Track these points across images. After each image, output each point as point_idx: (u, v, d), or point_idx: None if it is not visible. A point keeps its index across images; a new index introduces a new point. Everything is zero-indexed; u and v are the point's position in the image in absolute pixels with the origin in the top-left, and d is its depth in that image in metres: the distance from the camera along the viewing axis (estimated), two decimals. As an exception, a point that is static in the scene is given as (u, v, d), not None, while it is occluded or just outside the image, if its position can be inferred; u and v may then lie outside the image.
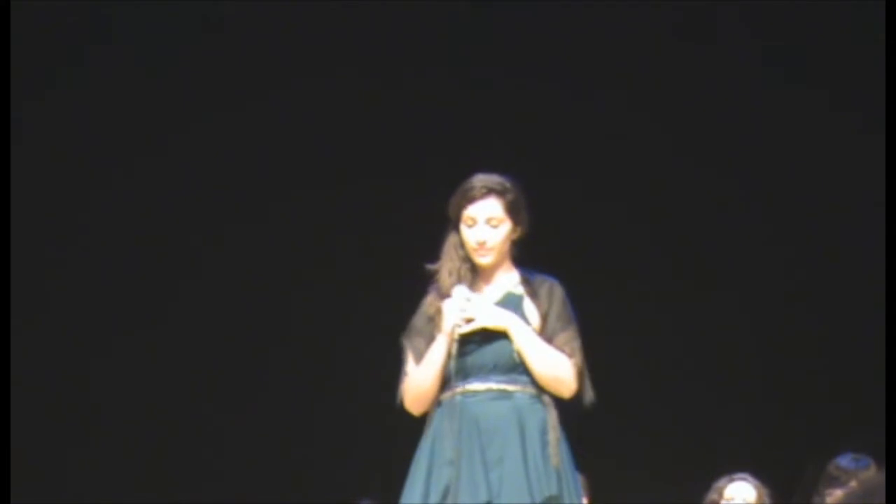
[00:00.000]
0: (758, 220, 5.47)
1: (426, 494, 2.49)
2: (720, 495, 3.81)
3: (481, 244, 2.61)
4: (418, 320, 2.68)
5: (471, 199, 2.62)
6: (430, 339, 2.61)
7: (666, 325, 4.97)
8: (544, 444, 2.52)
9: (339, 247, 4.82)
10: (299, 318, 4.99)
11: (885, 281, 3.95)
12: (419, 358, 2.62)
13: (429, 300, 2.67)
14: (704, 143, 5.48)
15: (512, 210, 2.63)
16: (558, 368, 2.57)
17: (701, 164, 5.52)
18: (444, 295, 2.59)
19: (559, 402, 2.61)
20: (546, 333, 2.61)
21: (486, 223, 2.61)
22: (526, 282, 2.68)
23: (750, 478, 3.96)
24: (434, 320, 2.61)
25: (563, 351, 2.59)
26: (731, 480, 3.88)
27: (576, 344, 2.62)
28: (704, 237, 5.39)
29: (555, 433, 2.55)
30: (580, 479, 2.75)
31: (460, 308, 2.52)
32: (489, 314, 2.58)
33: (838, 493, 3.63)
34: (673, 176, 5.41)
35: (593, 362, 2.69)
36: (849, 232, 5.14)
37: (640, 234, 5.14)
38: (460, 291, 2.55)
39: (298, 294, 5.01)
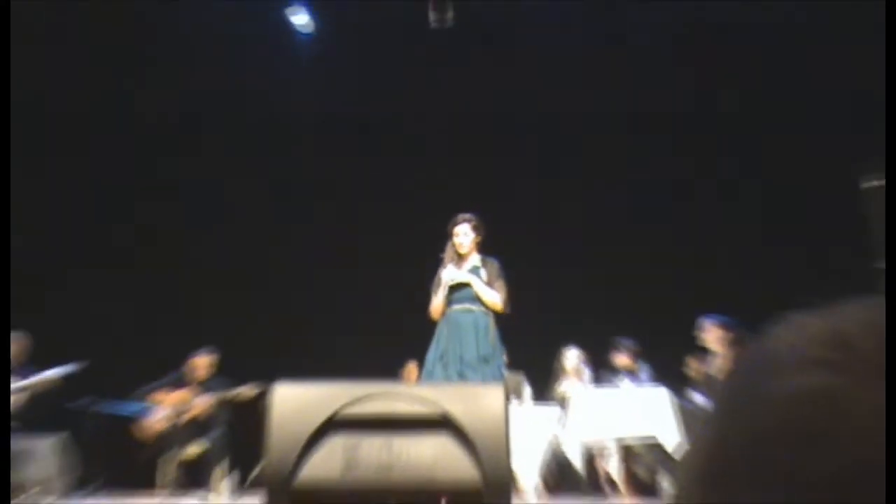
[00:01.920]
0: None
1: (435, 354, 5.56)
2: (561, 356, 6.87)
3: (460, 245, 5.71)
4: (437, 277, 5.76)
5: (456, 223, 5.73)
6: (440, 285, 5.74)
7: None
8: (487, 332, 5.62)
9: (405, 245, 7.57)
10: (385, 274, 7.95)
11: (885, 281, 5.07)
12: (435, 293, 5.74)
13: (441, 269, 5.76)
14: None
15: (475, 228, 5.72)
16: (495, 299, 5.61)
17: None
18: (445, 268, 5.71)
19: (497, 315, 5.70)
20: (490, 282, 5.66)
21: (463, 234, 5.71)
22: (482, 260, 5.74)
23: (575, 347, 6.94)
24: (441, 278, 5.73)
25: (497, 290, 5.65)
26: (567, 348, 6.90)
27: (503, 287, 5.65)
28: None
29: (493, 328, 5.60)
30: (504, 350, 5.87)
31: (449, 276, 5.64)
32: (464, 276, 5.68)
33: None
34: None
35: (515, 291, 5.74)
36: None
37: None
38: (449, 269, 5.66)
39: (372, 263, 8.03)
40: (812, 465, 0.41)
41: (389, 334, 7.80)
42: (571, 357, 7.17)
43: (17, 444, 5.81)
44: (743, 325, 6.23)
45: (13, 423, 6.57)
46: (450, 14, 7.62)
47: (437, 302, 5.63)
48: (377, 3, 7.87)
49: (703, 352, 6.55)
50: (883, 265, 5.33)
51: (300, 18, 8.45)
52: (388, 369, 7.65)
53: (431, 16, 7.66)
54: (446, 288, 5.61)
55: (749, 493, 0.42)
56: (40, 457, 5.75)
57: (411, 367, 7.71)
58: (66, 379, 6.80)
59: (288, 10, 8.36)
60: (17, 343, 6.96)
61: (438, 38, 7.93)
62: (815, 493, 0.40)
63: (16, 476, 5.44)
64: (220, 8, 8.14)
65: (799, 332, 0.45)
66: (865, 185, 5.65)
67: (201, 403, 7.11)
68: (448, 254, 5.74)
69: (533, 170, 8.49)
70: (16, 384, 6.76)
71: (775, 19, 8.08)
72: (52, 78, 8.15)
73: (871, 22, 6.77)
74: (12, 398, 6.74)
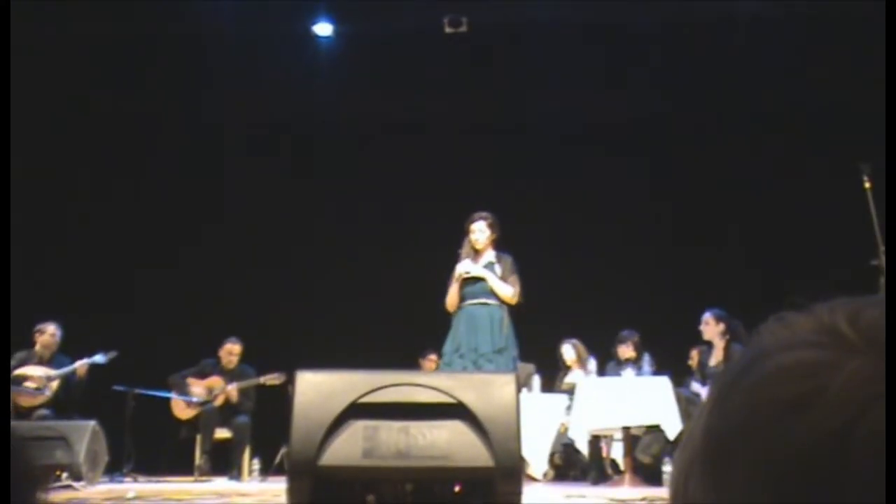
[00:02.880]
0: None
1: (452, 345, 5.81)
2: (560, 351, 7.16)
3: (476, 241, 5.96)
4: (454, 271, 5.97)
5: (472, 221, 5.99)
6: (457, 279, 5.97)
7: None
8: (501, 325, 5.85)
9: (432, 236, 7.60)
10: (404, 268, 8.24)
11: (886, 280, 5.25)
12: (452, 285, 5.99)
13: (459, 263, 6.01)
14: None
15: (490, 226, 5.97)
16: (508, 293, 5.84)
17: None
18: (461, 262, 5.96)
19: (510, 307, 5.92)
20: (504, 277, 5.91)
21: (479, 231, 5.96)
22: (497, 256, 5.97)
23: (574, 340, 7.19)
24: (456, 270, 5.97)
25: (511, 285, 5.90)
26: (563, 343, 7.16)
27: (517, 281, 5.87)
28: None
29: (506, 321, 5.83)
30: (517, 343, 6.12)
31: (463, 268, 5.89)
32: (479, 270, 5.91)
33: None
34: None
35: (526, 286, 5.99)
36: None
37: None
38: (465, 263, 5.91)
39: (404, 261, 8.34)
40: (794, 434, 0.41)
41: (409, 326, 8.06)
42: (567, 350, 7.49)
43: (49, 429, 6.04)
44: (736, 318, 6.52)
45: (45, 411, 6.90)
46: (464, 20, 7.89)
47: (452, 294, 5.90)
48: (394, 10, 8.12)
49: (707, 344, 6.85)
50: (877, 262, 5.55)
51: (323, 28, 8.71)
52: (409, 360, 7.93)
53: (447, 22, 7.94)
54: (460, 280, 5.87)
55: (741, 468, 0.43)
56: (71, 442, 5.98)
57: (431, 358, 7.99)
58: (99, 367, 7.12)
59: (314, 26, 8.62)
60: (50, 333, 7.25)
61: (453, 43, 8.21)
62: (799, 461, 0.41)
63: (47, 461, 5.61)
64: (239, 12, 8.39)
65: (788, 326, 0.47)
66: (866, 182, 5.83)
67: (231, 390, 7.42)
68: (465, 249, 6.01)
69: (544, 169, 8.75)
70: (48, 373, 7.08)
71: (785, 14, 8.22)
72: (82, 85, 8.44)
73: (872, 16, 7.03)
74: (52, 385, 7.07)
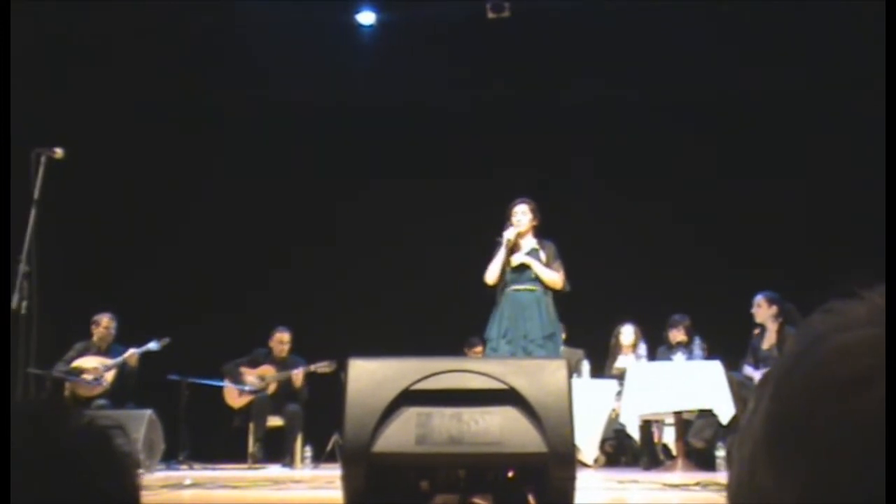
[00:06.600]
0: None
1: (498, 331, 5.84)
2: (618, 332, 7.12)
3: (518, 223, 5.95)
4: (497, 246, 5.95)
5: (514, 205, 5.99)
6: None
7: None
8: (549, 311, 5.85)
9: (475, 225, 7.88)
10: (450, 257, 8.02)
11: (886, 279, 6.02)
12: (497, 256, 5.92)
13: (503, 240, 5.97)
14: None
15: (532, 210, 5.97)
16: (554, 278, 5.86)
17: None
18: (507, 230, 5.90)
19: (555, 293, 5.92)
20: (548, 263, 5.92)
21: (521, 213, 5.96)
22: (540, 242, 5.98)
23: (631, 323, 7.14)
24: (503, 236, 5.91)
25: (556, 270, 5.91)
26: (623, 324, 7.12)
27: (561, 267, 5.89)
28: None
29: (551, 306, 5.87)
30: (562, 326, 6.13)
31: (507, 235, 5.82)
32: (522, 258, 5.88)
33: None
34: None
35: (574, 272, 5.97)
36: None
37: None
38: (509, 231, 5.83)
39: (449, 249, 8.20)
40: (859, 410, 0.42)
41: (453, 315, 8.04)
42: (627, 333, 7.41)
43: (107, 419, 6.16)
44: (789, 301, 6.44)
45: (103, 401, 7.07)
46: (507, 5, 7.86)
47: (494, 267, 5.87)
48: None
49: (759, 327, 6.77)
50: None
51: (366, 17, 8.72)
52: (454, 349, 7.93)
53: (489, 7, 7.92)
54: (509, 246, 5.87)
55: (808, 449, 0.44)
56: (129, 431, 6.09)
57: (476, 350, 7.94)
58: (151, 355, 7.26)
59: (357, 14, 8.64)
60: (105, 324, 7.42)
61: (496, 28, 8.18)
62: (866, 437, 0.42)
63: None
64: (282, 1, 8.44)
65: (839, 313, 0.48)
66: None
67: (297, 374, 7.53)
68: (508, 230, 5.96)
69: (590, 153, 8.69)
70: (104, 362, 7.25)
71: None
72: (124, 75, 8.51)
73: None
74: (108, 375, 7.24)
